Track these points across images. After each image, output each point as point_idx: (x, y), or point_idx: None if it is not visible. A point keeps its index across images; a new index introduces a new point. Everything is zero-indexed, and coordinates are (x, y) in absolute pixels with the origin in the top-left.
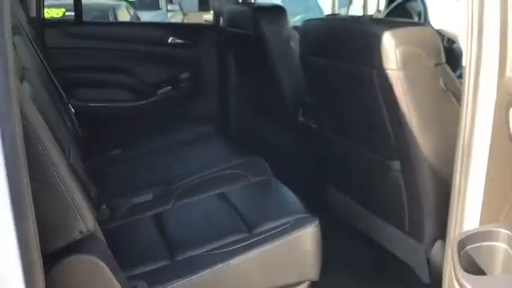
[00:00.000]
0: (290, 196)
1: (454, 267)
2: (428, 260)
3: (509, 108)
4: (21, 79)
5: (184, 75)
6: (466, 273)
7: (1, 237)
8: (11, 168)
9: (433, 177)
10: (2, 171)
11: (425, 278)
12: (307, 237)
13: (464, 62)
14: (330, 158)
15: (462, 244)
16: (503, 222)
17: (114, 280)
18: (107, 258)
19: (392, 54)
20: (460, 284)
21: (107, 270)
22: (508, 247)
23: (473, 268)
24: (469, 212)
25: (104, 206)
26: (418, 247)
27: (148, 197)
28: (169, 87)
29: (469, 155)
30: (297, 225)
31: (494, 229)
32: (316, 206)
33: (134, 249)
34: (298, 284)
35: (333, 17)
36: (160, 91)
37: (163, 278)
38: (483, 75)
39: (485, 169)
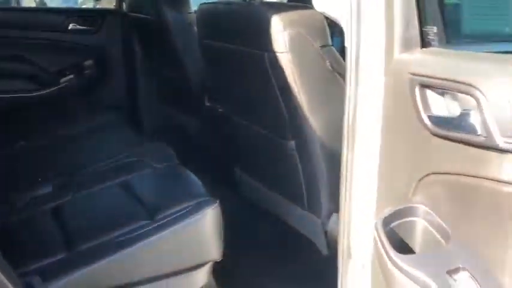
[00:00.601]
0: (193, 181)
1: (384, 247)
2: (326, 233)
3: (414, 87)
4: None
5: (88, 63)
6: (400, 254)
7: None
8: None
9: (326, 155)
10: None
11: (324, 250)
12: (207, 219)
13: (346, 43)
14: (236, 141)
15: (386, 222)
16: (419, 198)
17: (2, 277)
18: None
19: (280, 37)
20: (396, 266)
21: None
22: (426, 222)
23: (396, 244)
24: (357, 187)
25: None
26: (316, 221)
27: (48, 189)
28: (72, 76)
29: (353, 133)
30: (197, 208)
31: (414, 205)
32: (225, 188)
33: (30, 245)
34: (202, 265)
35: (228, 0)
36: (63, 79)
37: (59, 271)
38: (365, 57)
39: (372, 147)
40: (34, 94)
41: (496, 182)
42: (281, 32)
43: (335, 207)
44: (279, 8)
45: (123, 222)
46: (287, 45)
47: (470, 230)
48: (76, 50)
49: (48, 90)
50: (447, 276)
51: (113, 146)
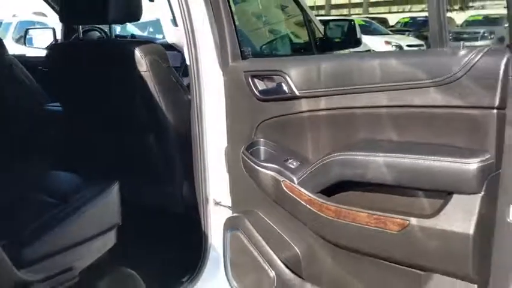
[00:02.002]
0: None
1: (250, 158)
2: (182, 198)
3: (248, 78)
4: None
5: None
6: (258, 159)
7: None
8: None
9: (179, 141)
10: None
11: (182, 211)
12: (112, 194)
13: (188, 61)
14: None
15: (247, 149)
16: (259, 136)
17: None
18: None
19: (143, 61)
20: (262, 166)
21: None
22: (266, 147)
23: None
24: (207, 156)
25: None
26: (174, 191)
27: None
28: None
29: (201, 116)
30: (103, 188)
31: (258, 139)
32: None
33: None
34: (110, 229)
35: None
36: None
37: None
38: (204, 67)
39: (219, 122)
40: None
41: (298, 113)
42: (143, 57)
43: (187, 178)
44: (137, 43)
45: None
46: (148, 66)
47: (288, 142)
48: None
49: None
50: (284, 162)
51: None
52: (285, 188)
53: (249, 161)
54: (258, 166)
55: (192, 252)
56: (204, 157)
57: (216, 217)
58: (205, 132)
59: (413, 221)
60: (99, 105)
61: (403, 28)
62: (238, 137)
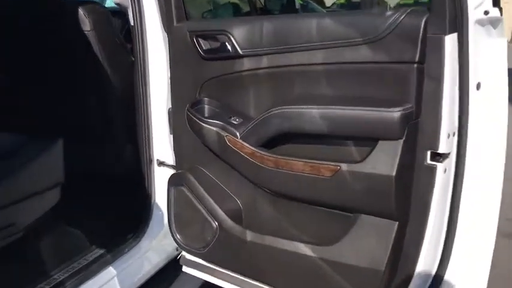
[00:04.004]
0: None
1: (195, 115)
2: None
3: (192, 38)
4: None
5: None
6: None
7: None
8: None
9: (121, 100)
10: None
11: (122, 172)
12: (55, 151)
13: (132, 22)
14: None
15: (191, 107)
16: (202, 95)
17: None
18: None
19: (87, 20)
20: (203, 121)
21: None
22: (209, 105)
23: None
24: (151, 117)
25: None
26: (110, 154)
27: None
28: None
29: (145, 74)
30: (47, 144)
31: (201, 98)
32: None
33: None
34: (53, 187)
35: None
36: None
37: None
38: (149, 27)
39: (163, 80)
40: None
41: (240, 72)
42: (87, 17)
43: (130, 140)
44: (81, 2)
45: None
46: (92, 26)
47: (231, 99)
48: None
49: None
50: (227, 119)
51: None
52: (228, 143)
53: (194, 118)
54: (202, 122)
55: (137, 212)
56: (147, 118)
57: (160, 177)
58: (149, 94)
59: (344, 166)
60: (42, 64)
61: (338, 9)
62: (182, 97)
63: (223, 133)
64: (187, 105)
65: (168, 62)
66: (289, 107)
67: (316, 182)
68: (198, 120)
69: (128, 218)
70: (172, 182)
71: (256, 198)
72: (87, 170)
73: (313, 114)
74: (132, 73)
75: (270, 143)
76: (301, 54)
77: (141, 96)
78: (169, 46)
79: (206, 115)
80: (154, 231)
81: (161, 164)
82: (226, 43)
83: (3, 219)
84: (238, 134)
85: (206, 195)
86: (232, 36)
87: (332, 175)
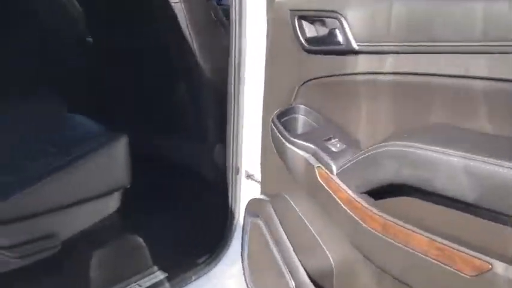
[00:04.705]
0: (96, 125)
1: (280, 131)
2: (212, 160)
3: (294, 19)
4: None
5: None
6: (289, 132)
7: None
8: None
9: (214, 92)
10: None
11: (213, 176)
12: (118, 149)
13: None
14: (120, 96)
15: (278, 118)
16: (299, 100)
17: None
18: None
19: None
20: (292, 142)
21: None
22: (305, 117)
23: None
24: (243, 116)
25: None
26: (205, 151)
27: None
28: None
29: (239, 64)
30: (108, 141)
31: (296, 106)
32: None
33: None
34: (115, 190)
35: None
36: None
37: None
38: (249, 3)
39: (257, 73)
40: None
41: (352, 75)
42: None
43: (220, 138)
44: None
45: (37, 158)
46: None
47: (336, 112)
48: None
49: None
50: (324, 142)
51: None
52: (318, 177)
53: (278, 134)
54: (287, 142)
55: (214, 229)
56: (238, 119)
57: (247, 192)
58: (243, 90)
59: (499, 266)
60: (127, 43)
61: None
62: (275, 100)
63: (314, 162)
64: (274, 114)
65: (265, 51)
66: (418, 145)
67: (445, 276)
68: (282, 138)
69: (201, 237)
70: (250, 209)
71: (356, 262)
72: (162, 168)
73: (456, 167)
74: (227, 58)
75: (379, 191)
76: (454, 59)
77: (233, 90)
78: (267, 28)
79: (296, 130)
80: (231, 260)
81: (249, 177)
82: (337, 31)
83: (40, 228)
84: (334, 167)
85: (286, 239)
86: (346, 21)
87: (475, 275)
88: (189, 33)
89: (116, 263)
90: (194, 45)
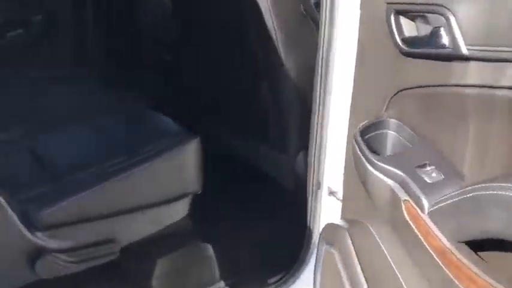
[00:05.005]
0: (169, 122)
1: (362, 150)
2: (293, 170)
3: (390, 15)
4: None
5: (37, 18)
6: (375, 154)
7: None
8: None
9: (298, 94)
10: None
11: (292, 187)
12: (189, 152)
13: None
14: (200, 91)
15: (362, 133)
16: (391, 112)
17: (1, 200)
18: None
19: None
20: (373, 165)
21: None
22: (396, 133)
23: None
24: (329, 117)
25: None
26: (285, 159)
27: (19, 132)
28: (21, 30)
29: (327, 71)
30: (178, 142)
31: (385, 119)
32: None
33: (15, 178)
34: (184, 196)
35: None
36: (10, 34)
37: (49, 200)
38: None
39: (345, 77)
40: None
41: (459, 87)
42: None
43: (302, 145)
44: None
45: (103, 157)
46: None
47: (435, 132)
48: (23, 4)
49: None
50: (416, 169)
51: (79, 95)
52: (405, 214)
53: (360, 153)
54: (370, 165)
55: (289, 247)
56: (323, 127)
57: (328, 210)
58: (329, 93)
59: None
60: (205, 41)
61: None
62: (363, 109)
63: (402, 194)
64: (357, 128)
65: (356, 51)
66: None
67: None
68: (363, 159)
69: (274, 254)
70: (325, 235)
71: None
72: (238, 172)
73: None
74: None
75: (483, 242)
76: None
77: (319, 95)
78: (359, 24)
79: (384, 149)
80: (308, 280)
81: (332, 194)
82: (442, 30)
83: (104, 232)
84: (426, 204)
85: (362, 278)
86: (455, 18)
87: None
88: (274, 29)
89: (177, 274)
90: (278, 43)
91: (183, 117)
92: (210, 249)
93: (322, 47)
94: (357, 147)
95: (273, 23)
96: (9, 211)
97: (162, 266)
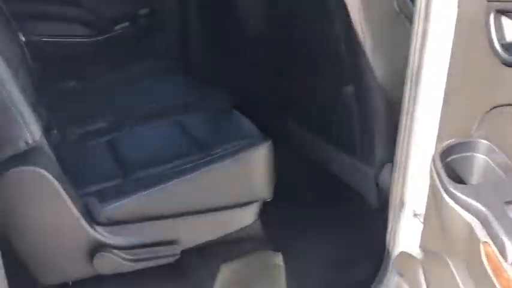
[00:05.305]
0: (246, 123)
1: (439, 177)
2: (377, 184)
3: (489, 15)
4: None
5: (144, 11)
6: (454, 183)
7: None
8: None
9: (385, 102)
10: None
11: (374, 202)
12: (259, 157)
13: None
14: (290, 90)
15: (444, 155)
16: (483, 132)
17: (63, 193)
18: (55, 171)
19: None
20: (450, 194)
21: (55, 182)
22: (487, 157)
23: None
24: (416, 132)
25: (55, 131)
26: (368, 172)
27: (102, 125)
28: (127, 23)
29: (418, 73)
30: (249, 146)
31: (474, 140)
32: (276, 138)
33: (87, 171)
34: (250, 203)
35: None
36: (117, 27)
37: (114, 195)
38: None
39: (437, 92)
40: (89, 40)
41: None
42: None
43: (388, 158)
44: None
45: (176, 155)
46: None
47: None
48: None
49: (103, 37)
50: (505, 206)
51: (165, 90)
52: (484, 258)
53: (436, 177)
54: (447, 193)
55: (365, 265)
56: (410, 142)
57: (410, 233)
58: (419, 103)
59: None
60: (294, 38)
61: None
62: (450, 124)
63: (482, 234)
64: (438, 149)
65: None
66: None
67: None
68: (440, 185)
69: (349, 270)
70: (397, 264)
71: None
72: (315, 180)
73: None
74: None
75: None
76: None
77: (408, 106)
78: (455, 25)
79: (470, 176)
80: None
81: (416, 216)
82: None
83: (166, 232)
84: (511, 252)
85: None
86: None
87: None
88: (361, 29)
89: (240, 283)
90: (366, 43)
91: (265, 118)
92: (276, 259)
93: (414, 49)
94: (433, 169)
95: (360, 22)
96: (71, 204)
97: (224, 272)
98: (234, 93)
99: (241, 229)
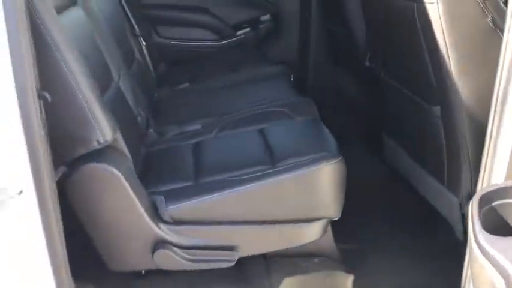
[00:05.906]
0: (325, 136)
1: (473, 225)
2: (463, 216)
3: None
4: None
5: (265, 17)
6: (486, 233)
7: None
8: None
9: (472, 125)
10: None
11: (460, 234)
12: (326, 172)
13: None
14: (387, 104)
15: (486, 200)
16: None
17: (129, 190)
18: (125, 169)
19: None
20: (478, 245)
21: (122, 180)
22: None
23: (500, 227)
24: (498, 165)
25: (152, 130)
26: (453, 200)
27: (197, 126)
28: (248, 29)
29: (503, 101)
30: (317, 160)
31: None
32: (370, 152)
33: (165, 170)
34: (316, 219)
35: None
36: (239, 32)
37: (182, 196)
38: None
39: None
40: (213, 44)
41: None
42: None
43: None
44: None
45: (247, 163)
46: None
47: None
48: (255, 5)
49: (225, 41)
50: None
51: (262, 96)
52: None
53: (470, 225)
54: (476, 244)
55: None
56: (492, 173)
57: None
58: (502, 133)
59: None
60: (390, 51)
61: None
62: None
63: None
64: (478, 193)
65: None
66: None
67: None
68: (471, 234)
69: None
70: None
71: None
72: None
73: None
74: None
75: None
76: None
77: (492, 127)
78: None
79: (498, 241)
80: None
81: None
82: None
83: (227, 237)
84: None
85: None
86: None
87: None
88: (446, 48)
89: None
90: (451, 65)
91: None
92: (346, 280)
93: (500, 75)
94: (470, 217)
95: (445, 39)
96: (137, 200)
97: (285, 286)
98: (339, 94)
99: (313, 243)
